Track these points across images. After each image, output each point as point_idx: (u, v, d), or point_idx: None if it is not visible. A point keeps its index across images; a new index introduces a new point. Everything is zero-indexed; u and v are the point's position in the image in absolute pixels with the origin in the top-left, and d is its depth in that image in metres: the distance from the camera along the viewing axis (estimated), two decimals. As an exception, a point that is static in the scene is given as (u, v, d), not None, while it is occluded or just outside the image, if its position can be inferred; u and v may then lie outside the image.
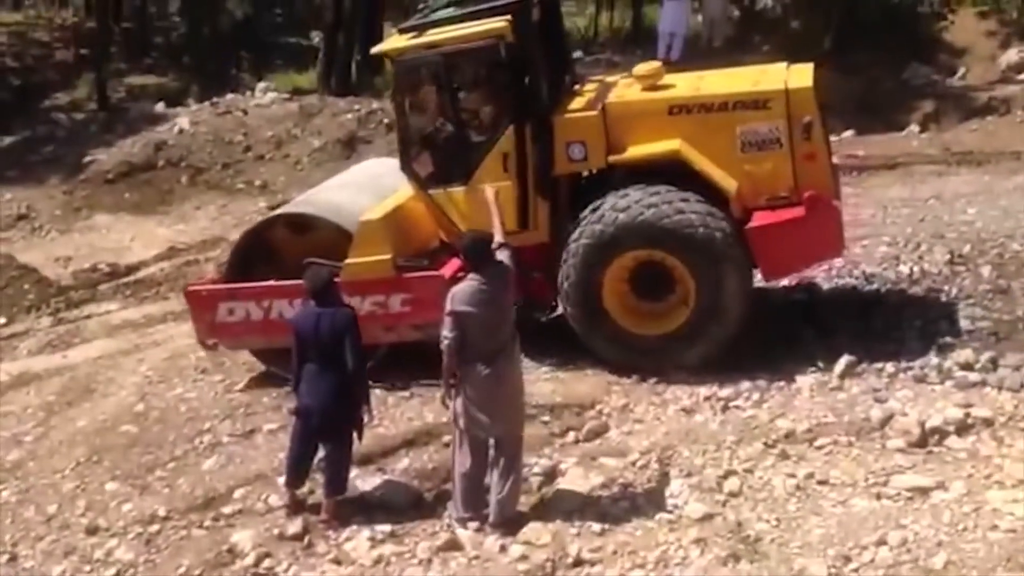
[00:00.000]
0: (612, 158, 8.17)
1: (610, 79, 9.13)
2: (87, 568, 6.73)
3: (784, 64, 8.57)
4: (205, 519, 7.08)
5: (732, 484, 6.73)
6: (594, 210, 8.02)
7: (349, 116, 17.10)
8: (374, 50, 8.82)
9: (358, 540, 6.64)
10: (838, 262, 9.99)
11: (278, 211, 10.04)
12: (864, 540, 6.02)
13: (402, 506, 7.03)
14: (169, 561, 6.68)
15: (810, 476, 6.73)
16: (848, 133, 15.31)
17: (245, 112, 17.92)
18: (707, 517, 6.43)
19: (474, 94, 8.84)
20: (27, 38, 27.65)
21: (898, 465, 6.75)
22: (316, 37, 24.42)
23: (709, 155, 7.95)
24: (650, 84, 8.44)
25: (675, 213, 7.81)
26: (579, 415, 7.90)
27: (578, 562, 6.16)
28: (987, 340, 8.31)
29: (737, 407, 7.74)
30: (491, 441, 6.65)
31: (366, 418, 7.01)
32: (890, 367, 8.00)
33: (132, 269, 13.40)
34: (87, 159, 16.95)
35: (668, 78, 8.55)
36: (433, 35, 8.37)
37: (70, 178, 16.58)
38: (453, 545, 6.44)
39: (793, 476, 6.75)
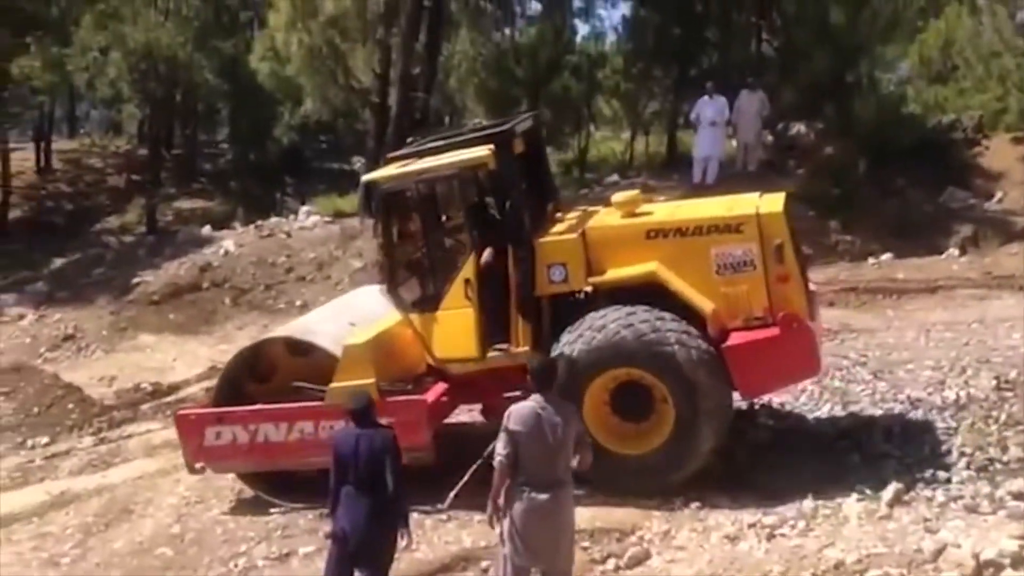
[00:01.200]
0: (592, 280, 8.43)
1: (592, 208, 9.52)
2: None
3: (757, 193, 8.86)
4: (239, 647, 6.95)
5: (780, 617, 6.51)
6: (572, 331, 8.21)
7: (390, 238, 17.44)
8: (364, 178, 9.00)
9: (394, 670, 6.47)
10: (882, 386, 9.90)
11: (265, 336, 10.25)
12: None
13: (439, 635, 6.86)
14: None
15: (862, 610, 6.49)
16: (886, 256, 15.34)
17: (288, 234, 18.41)
18: (755, 652, 6.20)
19: (458, 220, 9.27)
20: (82, 164, 28.83)
21: (954, 600, 6.50)
22: (358, 162, 25.16)
23: (686, 277, 8.20)
24: (629, 211, 8.74)
25: (651, 332, 7.99)
26: (620, 541, 7.74)
27: None
28: (1039, 468, 8.09)
29: (783, 535, 7.54)
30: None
31: (403, 542, 6.91)
32: (940, 495, 7.81)
33: (174, 388, 13.54)
34: (135, 280, 17.39)
35: (647, 206, 8.90)
36: (421, 163, 8.86)
37: (118, 299, 17.00)
38: (492, 678, 6.24)
39: (844, 610, 6.52)
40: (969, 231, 15.96)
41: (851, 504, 7.80)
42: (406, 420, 8.32)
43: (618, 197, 8.97)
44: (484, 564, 7.54)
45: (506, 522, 6.28)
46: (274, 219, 19.60)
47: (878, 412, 9.43)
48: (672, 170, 19.68)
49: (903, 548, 7.06)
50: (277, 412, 8.86)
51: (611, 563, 7.50)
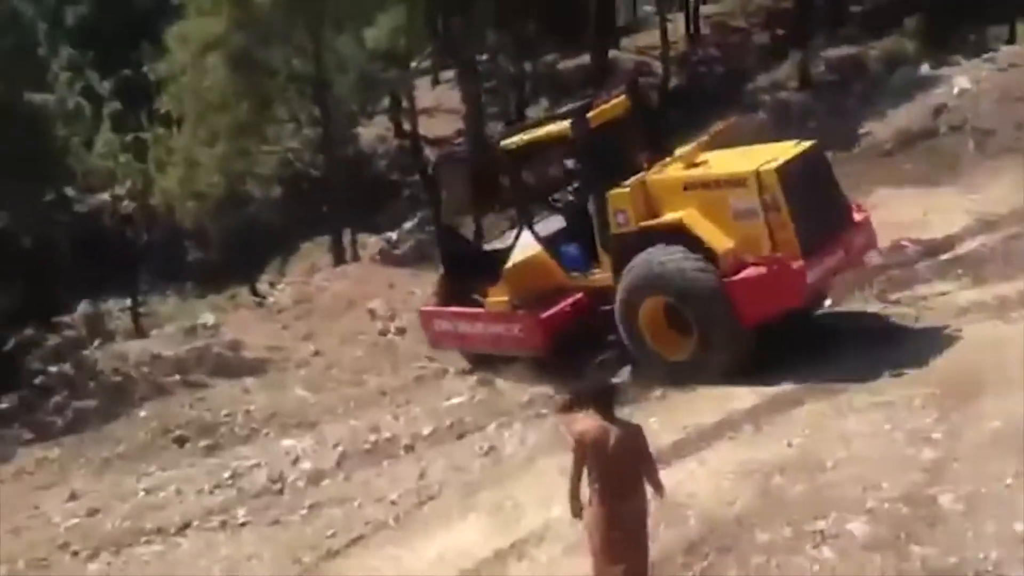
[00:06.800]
0: (641, 224, 10.20)
1: (672, 158, 10.70)
2: None
3: (791, 142, 10.27)
4: None
5: None
6: (628, 266, 10.19)
7: None
8: (502, 144, 11.39)
9: None
10: None
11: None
12: None
13: None
14: None
15: None
16: None
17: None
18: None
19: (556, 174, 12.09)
20: (725, 26, 28.67)
21: None
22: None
23: (713, 222, 9.76)
24: (688, 163, 10.27)
25: (663, 266, 9.86)
26: None
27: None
28: None
29: None
30: None
31: None
32: None
33: (947, 246, 12.07)
34: (861, 131, 16.17)
35: (703, 156, 10.31)
36: (532, 133, 11.29)
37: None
38: None
39: None
40: None
41: None
42: (526, 329, 11.02)
43: (680, 151, 10.64)
44: None
45: None
46: (1003, 49, 16.87)
47: None
48: None
49: None
50: (461, 313, 11.80)
51: None
